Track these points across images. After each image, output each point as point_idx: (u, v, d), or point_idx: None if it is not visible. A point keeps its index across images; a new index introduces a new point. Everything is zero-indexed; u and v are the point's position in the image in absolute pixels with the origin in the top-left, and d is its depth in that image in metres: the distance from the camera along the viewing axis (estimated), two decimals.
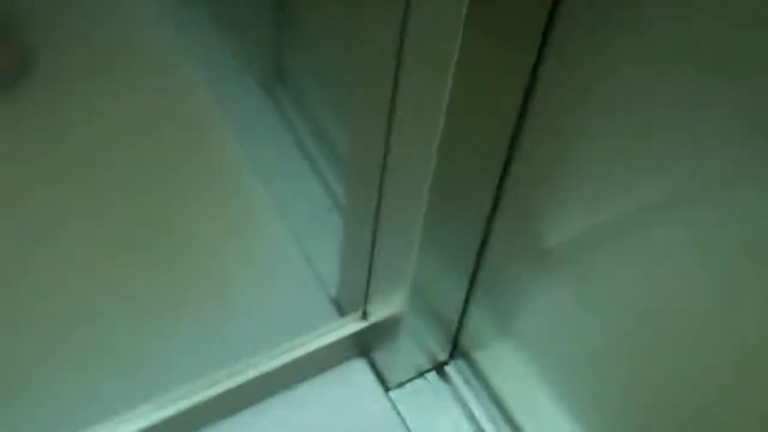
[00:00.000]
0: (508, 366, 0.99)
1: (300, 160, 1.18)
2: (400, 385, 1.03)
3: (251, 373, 0.98)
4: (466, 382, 1.04)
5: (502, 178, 0.80)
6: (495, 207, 0.84)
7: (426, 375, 1.04)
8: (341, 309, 1.05)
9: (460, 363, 1.05)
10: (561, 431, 0.93)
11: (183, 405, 0.93)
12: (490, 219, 0.85)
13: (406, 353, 1.01)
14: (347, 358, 1.05)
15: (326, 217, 1.11)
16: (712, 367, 0.71)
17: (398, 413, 1.01)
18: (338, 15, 0.98)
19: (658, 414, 0.79)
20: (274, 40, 1.21)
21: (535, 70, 0.70)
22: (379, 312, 0.98)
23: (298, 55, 1.18)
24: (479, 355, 1.03)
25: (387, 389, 1.03)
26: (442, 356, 1.05)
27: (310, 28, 1.11)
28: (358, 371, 1.04)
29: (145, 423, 0.92)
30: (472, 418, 1.02)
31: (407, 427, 1.01)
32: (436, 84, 0.66)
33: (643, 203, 0.71)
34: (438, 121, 0.68)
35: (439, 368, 1.05)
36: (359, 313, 1.00)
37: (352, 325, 1.00)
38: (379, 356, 1.03)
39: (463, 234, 0.86)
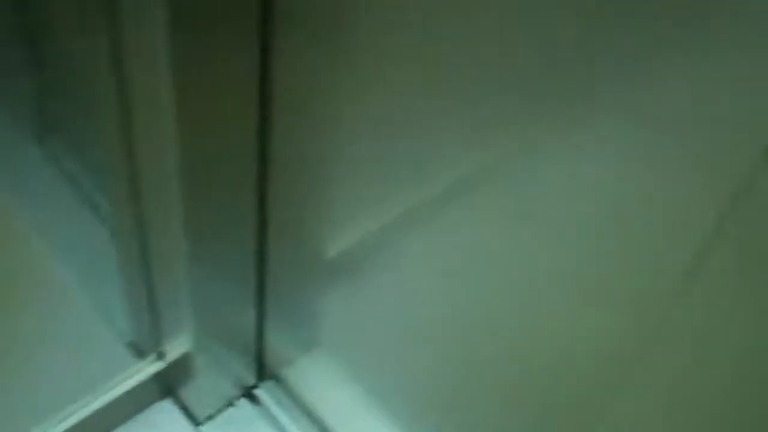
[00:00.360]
0: (317, 378, 0.99)
1: (78, 207, 1.14)
2: (210, 418, 1.02)
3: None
4: (278, 401, 1.03)
5: (262, 197, 0.80)
6: (263, 228, 0.84)
7: (235, 403, 1.03)
8: (138, 352, 1.02)
9: (270, 384, 1.04)
10: None
11: None
12: (262, 241, 0.85)
13: (210, 385, 0.99)
14: (153, 401, 1.02)
15: (111, 262, 1.07)
16: (495, 358, 0.73)
17: None
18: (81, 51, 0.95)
19: (463, 405, 0.81)
20: (38, 90, 1.16)
21: (264, 82, 0.70)
22: (173, 350, 0.95)
23: (62, 100, 1.14)
24: (287, 373, 1.02)
25: (197, 424, 1.01)
26: (250, 380, 1.04)
27: (68, 69, 1.08)
28: (166, 412, 1.02)
29: None
30: None
31: None
32: (163, 106, 0.65)
33: (405, 205, 0.72)
34: (175, 146, 0.67)
35: (248, 393, 1.04)
36: (155, 354, 0.97)
37: (149, 368, 0.98)
38: (185, 393, 1.01)
39: (239, 259, 0.85)
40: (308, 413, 1.01)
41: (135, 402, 1.00)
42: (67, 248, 1.12)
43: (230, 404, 1.03)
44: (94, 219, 1.12)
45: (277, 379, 1.03)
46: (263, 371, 1.04)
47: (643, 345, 0.60)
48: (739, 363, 0.54)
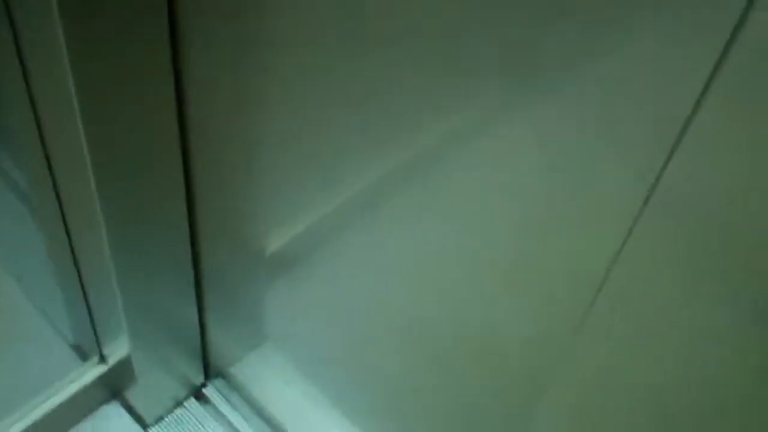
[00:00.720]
0: (266, 375, 0.98)
1: (17, 209, 1.12)
2: (159, 419, 1.00)
3: None
4: (227, 400, 1.02)
5: (189, 194, 0.79)
6: (194, 225, 0.82)
7: (185, 402, 1.02)
8: (82, 355, 1.01)
9: (218, 382, 1.03)
10: (327, 429, 0.93)
11: None
12: (194, 239, 0.83)
13: (156, 386, 0.98)
14: (99, 404, 1.01)
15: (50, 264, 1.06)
16: (438, 352, 0.72)
17: None
18: None
19: (411, 399, 0.80)
20: None
21: (178, 76, 0.68)
22: (114, 353, 0.94)
23: None
24: (235, 370, 1.01)
25: (146, 426, 1.00)
26: (198, 380, 1.02)
27: None
28: (114, 415, 1.00)
29: None
30: None
31: None
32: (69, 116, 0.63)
33: (339, 196, 0.71)
34: (85, 142, 0.66)
35: (197, 392, 1.03)
36: (97, 356, 0.96)
37: (92, 371, 0.96)
38: (132, 395, 1.00)
39: (170, 259, 0.84)
40: (258, 410, 1.00)
41: (82, 405, 0.99)
42: (9, 252, 1.10)
43: (179, 404, 1.02)
44: (33, 222, 1.10)
45: (225, 377, 1.02)
46: (211, 370, 1.02)
47: (569, 343, 0.59)
48: (665, 357, 0.53)
